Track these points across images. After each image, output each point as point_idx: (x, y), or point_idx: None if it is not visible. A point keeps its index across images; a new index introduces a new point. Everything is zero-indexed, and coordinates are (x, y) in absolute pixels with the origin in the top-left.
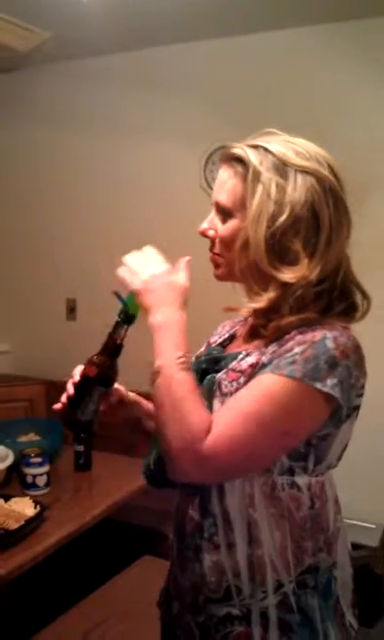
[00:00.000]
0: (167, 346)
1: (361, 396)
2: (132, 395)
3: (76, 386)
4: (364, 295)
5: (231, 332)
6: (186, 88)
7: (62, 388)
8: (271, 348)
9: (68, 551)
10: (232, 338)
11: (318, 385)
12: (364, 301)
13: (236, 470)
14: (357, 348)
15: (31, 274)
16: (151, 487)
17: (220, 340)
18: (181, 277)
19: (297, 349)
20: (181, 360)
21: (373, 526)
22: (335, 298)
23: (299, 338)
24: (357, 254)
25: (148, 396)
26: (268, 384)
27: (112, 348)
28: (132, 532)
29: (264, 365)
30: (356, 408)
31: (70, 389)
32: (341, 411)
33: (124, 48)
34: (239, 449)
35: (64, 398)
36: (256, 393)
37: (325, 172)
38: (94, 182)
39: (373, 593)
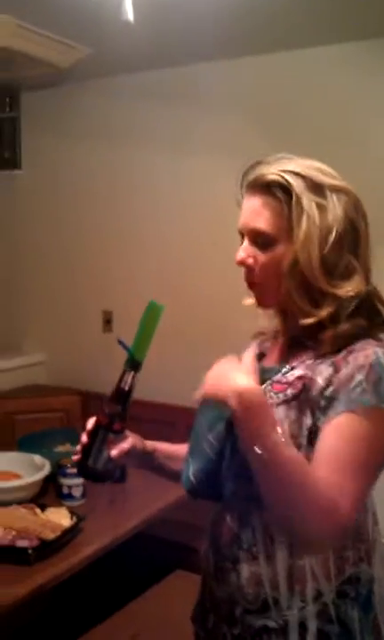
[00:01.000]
0: (258, 426)
1: None
2: (149, 443)
3: (89, 434)
4: None
5: (260, 349)
6: (224, 104)
7: (98, 398)
8: (322, 369)
9: (102, 563)
10: (262, 355)
11: None
12: None
13: (357, 513)
14: None
15: (68, 286)
16: (191, 499)
17: None
18: (246, 357)
19: (359, 377)
20: (282, 438)
21: None
22: (369, 308)
23: (353, 362)
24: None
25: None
26: (353, 425)
27: (121, 396)
28: (164, 547)
29: (330, 399)
30: None
31: (84, 438)
32: None
33: (163, 64)
34: (360, 498)
35: (79, 447)
36: (345, 439)
37: (351, 189)
38: (132, 196)
39: None
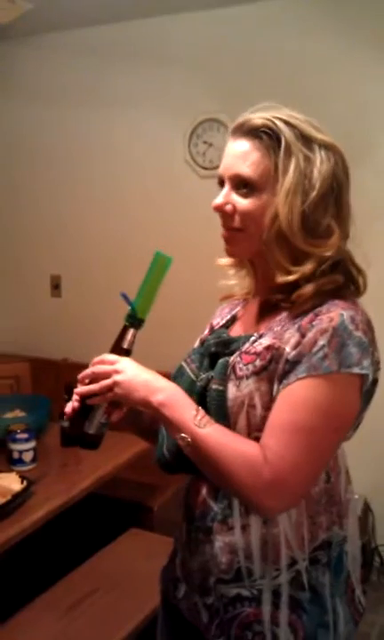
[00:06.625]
0: (180, 414)
1: (379, 369)
2: None
3: (80, 400)
4: (358, 270)
5: (231, 313)
6: (171, 60)
7: (47, 364)
8: (289, 336)
9: (56, 525)
10: (233, 319)
11: (356, 369)
12: (360, 276)
13: (309, 481)
14: (370, 323)
15: (15, 250)
16: (166, 474)
17: (223, 321)
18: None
19: (322, 341)
20: (199, 417)
21: (356, 496)
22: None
23: (317, 325)
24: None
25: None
26: (307, 391)
27: (121, 355)
28: (118, 506)
29: (293, 363)
30: (376, 382)
31: (75, 404)
32: (372, 387)
33: (109, 20)
34: (302, 464)
35: (69, 410)
36: (298, 402)
37: (339, 147)
38: (79, 157)
39: None
